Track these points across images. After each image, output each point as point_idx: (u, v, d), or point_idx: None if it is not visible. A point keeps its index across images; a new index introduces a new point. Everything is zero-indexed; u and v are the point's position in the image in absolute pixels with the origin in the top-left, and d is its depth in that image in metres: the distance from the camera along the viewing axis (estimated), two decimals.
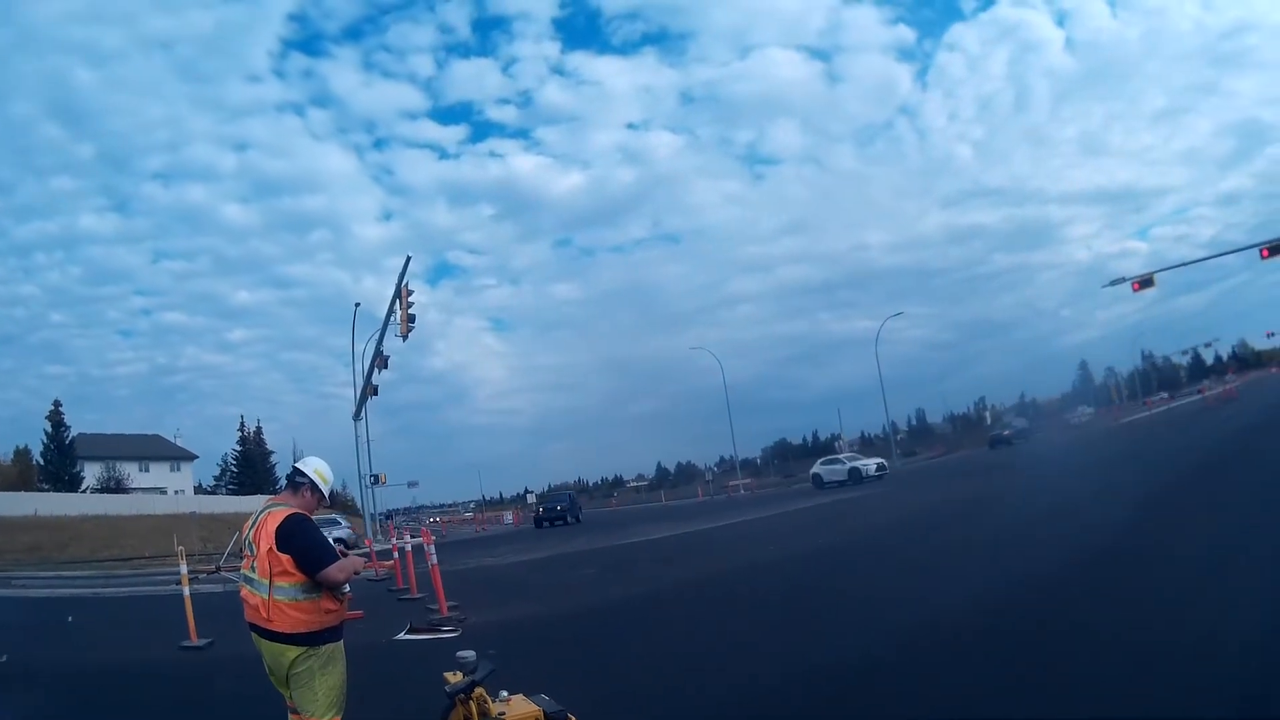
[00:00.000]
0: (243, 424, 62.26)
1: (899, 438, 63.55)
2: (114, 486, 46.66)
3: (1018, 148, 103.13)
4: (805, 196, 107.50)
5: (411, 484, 63.75)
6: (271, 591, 3.04)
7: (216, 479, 61.10)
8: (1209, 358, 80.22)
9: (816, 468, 36.92)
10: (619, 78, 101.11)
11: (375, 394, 31.15)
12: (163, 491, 48.46)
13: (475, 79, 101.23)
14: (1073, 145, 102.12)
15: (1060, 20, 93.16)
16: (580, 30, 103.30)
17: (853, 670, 4.97)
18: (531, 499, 65.08)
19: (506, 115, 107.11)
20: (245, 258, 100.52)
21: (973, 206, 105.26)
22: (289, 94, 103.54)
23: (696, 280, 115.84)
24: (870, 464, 33.58)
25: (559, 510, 36.49)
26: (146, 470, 53.38)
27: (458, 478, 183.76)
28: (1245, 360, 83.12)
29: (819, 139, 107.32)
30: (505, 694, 2.93)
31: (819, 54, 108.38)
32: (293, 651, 3.05)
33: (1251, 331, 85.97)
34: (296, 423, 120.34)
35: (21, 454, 46.70)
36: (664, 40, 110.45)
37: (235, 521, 24.51)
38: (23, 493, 38.29)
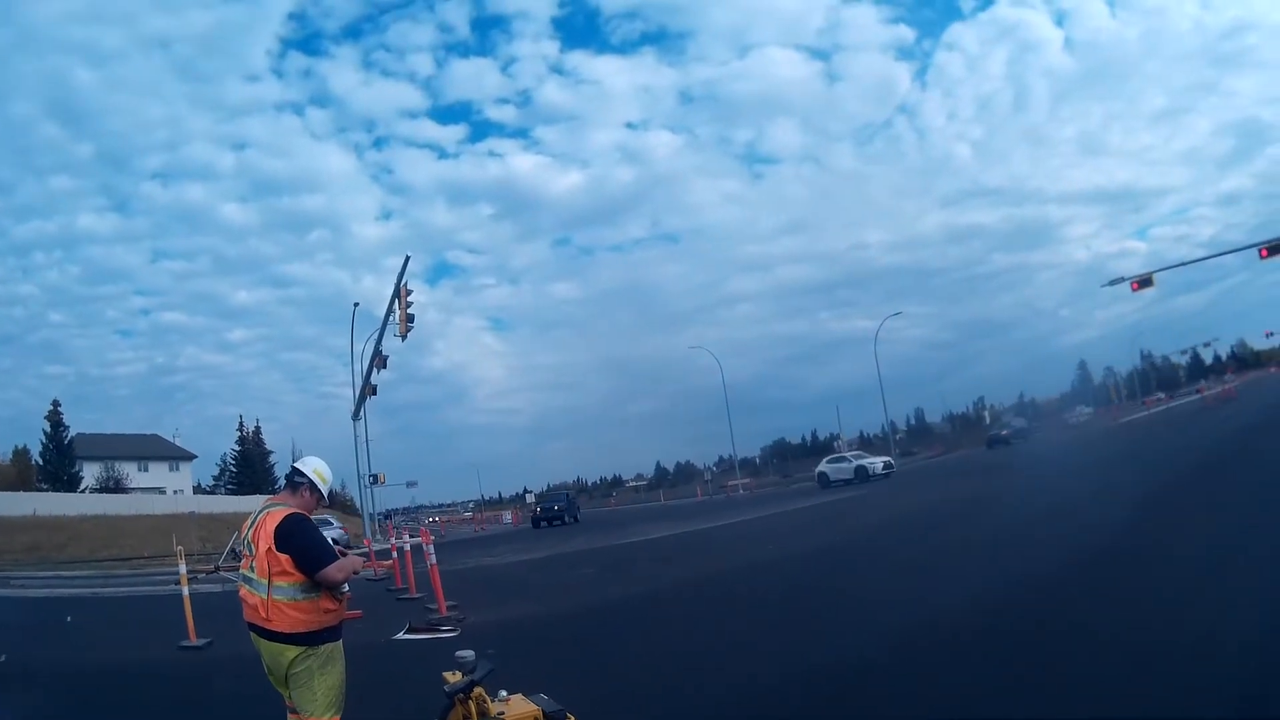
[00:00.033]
0: (242, 424, 62.48)
1: (898, 437, 63.71)
2: (113, 486, 46.60)
3: (1017, 147, 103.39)
4: (804, 196, 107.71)
5: (410, 484, 63.59)
6: (270, 591, 3.05)
7: (215, 479, 61.20)
8: (1208, 357, 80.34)
9: (822, 466, 36.74)
10: (618, 77, 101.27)
11: (374, 394, 31.18)
12: (162, 491, 48.35)
13: (474, 78, 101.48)
14: (1072, 145, 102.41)
15: (1059, 20, 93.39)
16: (579, 30, 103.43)
17: (851, 670, 4.97)
18: (530, 499, 65.12)
19: (506, 115, 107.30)
20: (244, 257, 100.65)
21: (972, 206, 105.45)
22: (288, 93, 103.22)
23: (695, 280, 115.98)
24: (877, 462, 33.49)
25: (556, 510, 36.33)
26: (145, 470, 53.34)
27: (456, 477, 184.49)
28: (1244, 360, 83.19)
29: (818, 138, 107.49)
30: (504, 693, 2.93)
31: (818, 53, 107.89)
32: (292, 651, 3.05)
33: (1250, 331, 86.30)
34: (295, 423, 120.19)
35: (20, 454, 46.64)
36: (663, 40, 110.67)
37: (234, 521, 24.53)
38: (21, 492, 38.15)
